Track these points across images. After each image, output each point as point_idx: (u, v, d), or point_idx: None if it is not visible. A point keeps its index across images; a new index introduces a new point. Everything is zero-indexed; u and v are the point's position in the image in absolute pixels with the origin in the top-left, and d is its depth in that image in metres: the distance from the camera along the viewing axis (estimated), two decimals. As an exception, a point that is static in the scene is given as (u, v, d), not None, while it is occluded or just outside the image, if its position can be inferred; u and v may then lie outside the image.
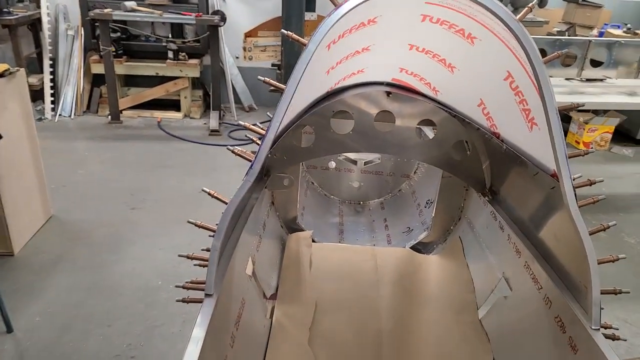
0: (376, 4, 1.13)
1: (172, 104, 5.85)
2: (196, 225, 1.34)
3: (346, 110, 1.76)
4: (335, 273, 1.94)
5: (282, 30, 1.28)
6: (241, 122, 1.29)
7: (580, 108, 1.41)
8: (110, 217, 3.71)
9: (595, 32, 4.91)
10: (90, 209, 3.83)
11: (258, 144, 1.16)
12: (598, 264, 1.15)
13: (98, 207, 3.86)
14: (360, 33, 1.33)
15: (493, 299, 1.66)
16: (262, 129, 1.26)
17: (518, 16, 1.17)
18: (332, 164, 2.68)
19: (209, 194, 1.31)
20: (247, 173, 1.16)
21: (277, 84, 1.23)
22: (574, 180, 1.15)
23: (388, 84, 1.75)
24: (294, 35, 1.29)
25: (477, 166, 1.79)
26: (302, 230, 2.15)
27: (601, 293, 1.14)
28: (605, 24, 5.05)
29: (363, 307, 1.81)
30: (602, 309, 1.16)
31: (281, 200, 2.12)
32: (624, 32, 4.63)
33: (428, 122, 1.76)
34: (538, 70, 1.10)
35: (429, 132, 2.06)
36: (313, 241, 2.11)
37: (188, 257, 1.40)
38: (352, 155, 2.64)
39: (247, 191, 1.18)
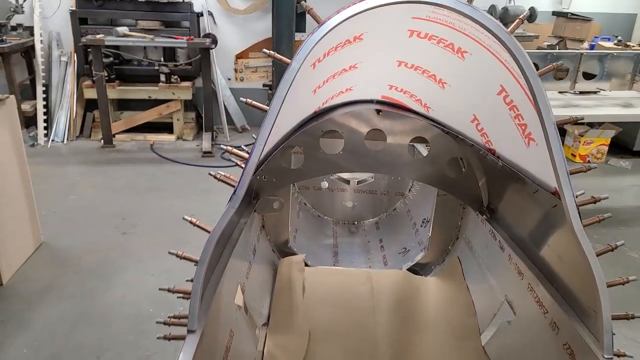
0: (360, 20, 1.08)
1: (165, 127, 5.80)
2: (177, 256, 1.26)
3: (336, 130, 1.70)
4: (330, 299, 1.84)
5: (264, 49, 1.22)
6: (223, 146, 1.22)
7: (575, 121, 1.35)
8: (101, 243, 3.61)
9: (585, 45, 4.91)
10: (81, 234, 3.73)
11: (242, 168, 1.09)
12: (607, 287, 1.07)
13: (89, 232, 3.76)
14: (347, 50, 1.28)
15: (496, 324, 1.57)
16: (246, 152, 1.19)
17: (509, 29, 1.11)
18: (325, 184, 2.61)
19: (191, 222, 1.23)
20: (230, 199, 1.08)
21: (260, 105, 1.17)
22: (576, 197, 1.08)
23: (378, 102, 1.70)
24: (276, 54, 1.24)
25: (473, 184, 1.72)
26: (294, 254, 2.06)
27: (612, 318, 1.06)
28: (596, 37, 5.06)
29: (359, 335, 1.71)
30: (614, 334, 1.07)
31: (272, 223, 2.05)
32: (615, 44, 4.63)
33: (420, 140, 1.70)
34: (533, 83, 1.04)
35: (422, 150, 2.00)
36: (306, 265, 2.03)
37: (169, 291, 1.31)
38: (344, 175, 2.57)
39: (230, 218, 1.10)
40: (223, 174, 1.21)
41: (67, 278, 3.18)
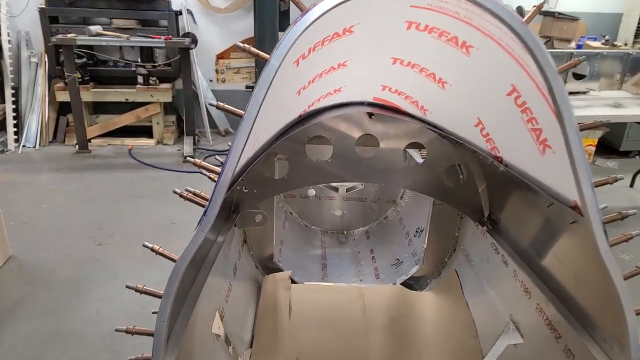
0: (351, 9, 0.91)
1: (144, 131, 5.57)
2: (137, 290, 1.08)
3: (323, 135, 1.54)
4: (319, 319, 1.68)
5: (238, 43, 1.05)
6: (190, 159, 1.04)
7: (600, 124, 1.21)
8: (74, 255, 3.39)
9: (573, 44, 4.84)
10: (54, 247, 3.50)
11: (215, 182, 0.92)
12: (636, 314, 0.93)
13: (62, 244, 3.53)
14: (335, 45, 1.12)
15: (501, 347, 1.42)
16: (220, 163, 1.02)
17: (525, 18, 0.96)
18: (312, 192, 2.45)
19: (153, 249, 1.05)
20: (200, 221, 0.91)
21: (234, 109, 1.00)
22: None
23: (369, 104, 1.54)
24: (252, 48, 1.07)
25: (473, 192, 1.57)
26: (279, 269, 1.90)
27: None
28: (582, 37, 4.99)
29: (351, 359, 1.55)
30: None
31: (255, 237, 1.88)
32: (602, 44, 4.57)
33: (416, 145, 1.55)
34: (552, 81, 0.89)
35: (416, 156, 1.85)
36: (293, 282, 1.87)
37: (128, 332, 1.13)
38: (333, 183, 2.41)
39: (201, 243, 0.93)
40: (192, 190, 1.04)
41: (37, 294, 2.98)
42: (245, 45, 1.05)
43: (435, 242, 1.88)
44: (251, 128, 0.92)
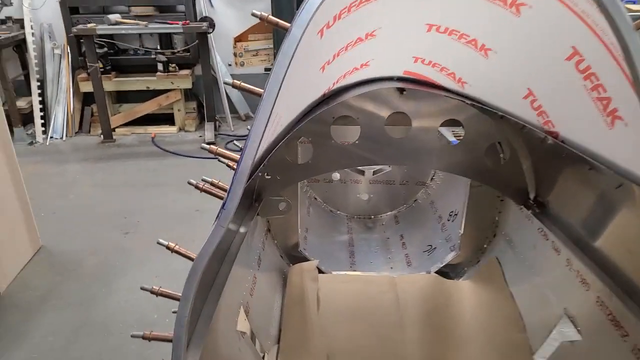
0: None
1: (166, 118, 5.52)
2: (152, 293, 0.97)
3: (350, 115, 1.40)
4: (349, 312, 1.57)
5: (254, 11, 0.91)
6: (206, 146, 0.92)
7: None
8: (102, 245, 3.37)
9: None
10: (81, 236, 3.49)
11: (235, 171, 0.80)
12: None
13: (89, 233, 3.53)
14: (362, 12, 0.97)
15: (554, 344, 1.28)
16: (240, 149, 0.90)
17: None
18: (337, 176, 2.31)
19: (168, 247, 0.94)
20: (218, 215, 0.80)
21: (253, 88, 0.87)
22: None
23: (399, 79, 1.38)
24: (270, 16, 0.93)
25: (517, 173, 1.41)
26: (305, 259, 1.79)
27: None
28: None
29: (385, 354, 1.44)
30: None
31: (279, 225, 1.77)
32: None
33: (453, 123, 1.39)
34: (628, 40, 0.73)
35: (449, 135, 1.69)
36: (320, 271, 1.76)
37: (145, 338, 1.03)
38: (359, 166, 2.27)
39: (220, 240, 0.82)
40: (209, 180, 0.92)
41: (66, 284, 2.97)
42: (263, 13, 0.91)
43: (473, 227, 1.74)
44: (272, 109, 0.79)
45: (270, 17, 0.92)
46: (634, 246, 0.98)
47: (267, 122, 0.78)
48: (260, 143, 0.78)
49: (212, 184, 0.95)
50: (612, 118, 0.87)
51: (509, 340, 1.41)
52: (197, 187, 0.94)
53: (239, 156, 0.82)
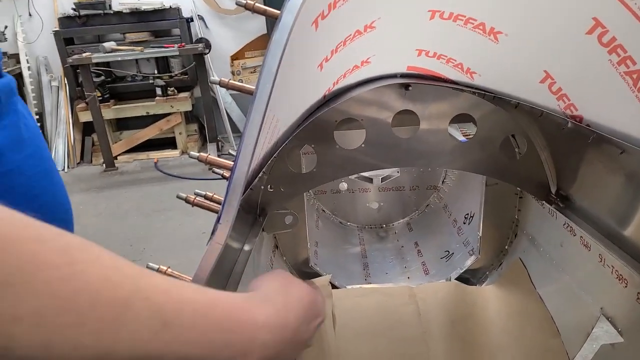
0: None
1: (168, 142, 5.51)
2: None
3: (353, 118, 1.32)
4: (368, 329, 1.46)
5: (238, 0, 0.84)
6: (193, 154, 0.84)
7: None
8: (108, 275, 3.30)
9: None
10: (86, 268, 3.43)
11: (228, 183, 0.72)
12: None
13: (94, 265, 3.46)
14: (359, 1, 0.90)
15: (592, 347, 1.17)
16: (233, 157, 0.82)
17: None
18: (344, 186, 2.23)
19: (159, 270, 0.86)
20: (213, 231, 0.72)
21: (242, 85, 0.79)
22: None
23: (403, 75, 1.31)
24: (257, 4, 0.85)
25: (535, 166, 1.32)
26: (317, 274, 1.69)
27: None
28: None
29: (411, 372, 1.33)
30: None
31: (287, 240, 1.68)
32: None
33: (464, 118, 1.31)
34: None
35: (457, 134, 1.61)
36: (333, 287, 1.66)
37: None
38: (365, 173, 2.19)
39: (218, 258, 0.74)
40: (202, 194, 0.84)
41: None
42: (249, 1, 0.84)
43: (492, 228, 1.63)
44: (265, 108, 0.71)
45: (257, 5, 0.85)
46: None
47: (262, 122, 0.70)
48: (255, 147, 0.70)
49: (206, 197, 0.86)
50: (645, 92, 0.78)
51: (542, 347, 1.30)
52: (187, 200, 0.85)
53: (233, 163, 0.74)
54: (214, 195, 0.85)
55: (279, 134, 1.01)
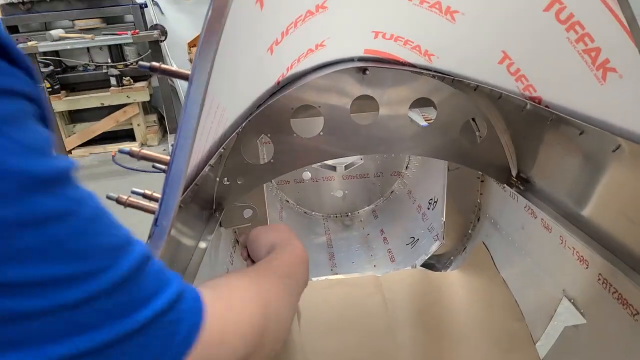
0: None
1: (126, 135, 5.27)
2: None
3: (311, 105, 1.26)
4: (334, 322, 1.42)
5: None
6: (124, 149, 0.76)
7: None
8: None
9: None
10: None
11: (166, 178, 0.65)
12: None
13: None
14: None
15: (556, 330, 1.17)
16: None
17: None
18: (307, 175, 2.19)
19: (144, 194, 0.78)
20: (150, 235, 0.64)
21: (177, 70, 0.71)
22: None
23: (360, 59, 1.26)
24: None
25: (496, 149, 1.31)
26: (281, 267, 1.65)
27: None
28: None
29: (378, 363, 1.31)
30: None
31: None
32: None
33: (424, 102, 1.27)
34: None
35: (418, 119, 1.59)
36: (298, 279, 1.62)
37: None
38: (329, 161, 2.15)
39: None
40: (140, 192, 0.75)
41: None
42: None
43: (455, 213, 1.63)
44: (204, 95, 0.64)
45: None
46: (635, 214, 0.88)
47: (200, 111, 0.63)
48: (193, 139, 0.63)
49: (144, 195, 0.78)
50: (604, 71, 0.76)
51: (507, 331, 1.29)
52: (118, 201, 0.77)
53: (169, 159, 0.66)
54: (154, 194, 0.77)
55: (226, 124, 0.94)
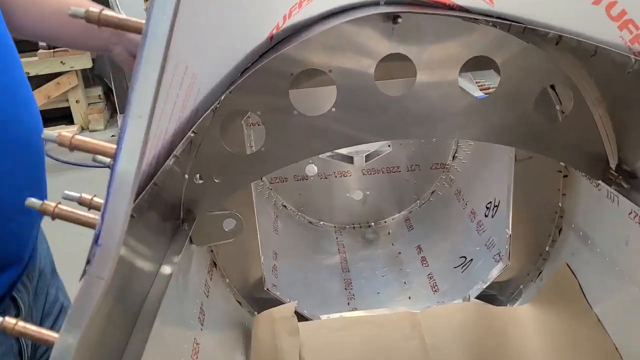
0: None
1: (62, 115, 5.46)
2: None
3: (318, 68, 1.26)
4: (353, 378, 1.45)
5: None
6: (49, 133, 0.72)
7: None
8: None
9: None
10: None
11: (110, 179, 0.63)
12: None
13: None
14: None
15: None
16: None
17: None
18: (313, 169, 2.21)
19: (80, 200, 0.77)
20: (88, 260, 0.62)
21: (128, 19, 0.68)
22: None
23: (388, 2, 1.25)
24: None
25: (586, 130, 1.30)
26: (277, 301, 1.67)
27: None
28: None
29: None
30: None
31: (230, 255, 1.63)
32: None
33: (482, 64, 1.27)
34: None
35: (472, 89, 1.60)
36: (302, 318, 1.64)
37: None
38: (343, 150, 2.18)
39: (98, 307, 0.65)
40: (75, 196, 0.72)
41: None
42: None
43: (525, 222, 1.63)
44: (164, 56, 0.62)
45: None
46: None
47: (160, 79, 0.61)
48: (150, 118, 0.61)
49: (80, 201, 0.74)
50: None
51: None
52: (44, 211, 0.73)
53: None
54: (95, 199, 0.74)
55: (198, 97, 0.92)
